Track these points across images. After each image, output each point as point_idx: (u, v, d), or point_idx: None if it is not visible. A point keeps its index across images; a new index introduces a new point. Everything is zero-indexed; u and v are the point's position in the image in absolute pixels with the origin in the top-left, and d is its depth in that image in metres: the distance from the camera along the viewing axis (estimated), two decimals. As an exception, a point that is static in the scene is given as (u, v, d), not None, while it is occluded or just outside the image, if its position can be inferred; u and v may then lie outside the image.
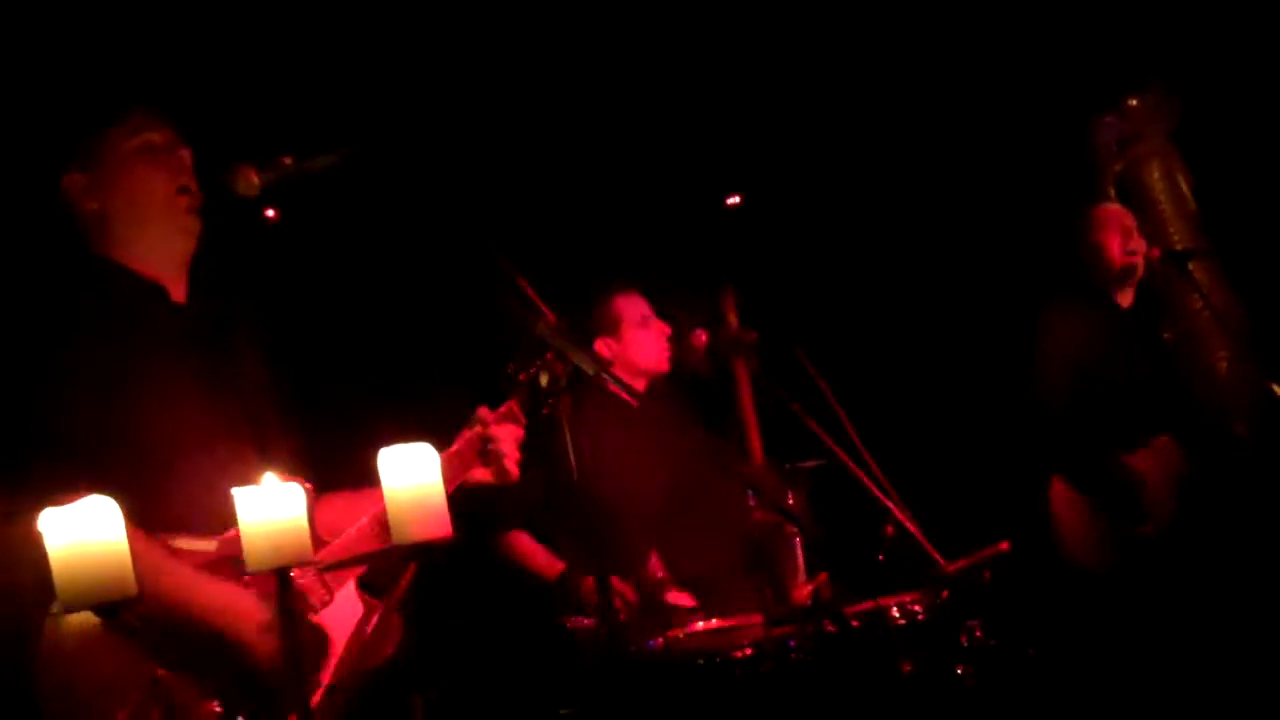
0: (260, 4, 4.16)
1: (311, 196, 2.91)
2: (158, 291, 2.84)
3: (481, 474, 3.03)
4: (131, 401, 2.66)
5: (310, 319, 4.17)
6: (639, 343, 4.18)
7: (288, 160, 2.84)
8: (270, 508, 2.28)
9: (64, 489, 2.18)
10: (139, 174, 2.82)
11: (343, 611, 2.82)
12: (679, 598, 3.91)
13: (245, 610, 2.63)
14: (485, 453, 3.02)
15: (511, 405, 3.08)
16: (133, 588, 2.16)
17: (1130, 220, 4.78)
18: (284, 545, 2.28)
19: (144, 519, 2.43)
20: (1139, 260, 4.69)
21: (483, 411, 3.05)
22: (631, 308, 4.21)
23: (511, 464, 3.02)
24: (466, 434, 3.02)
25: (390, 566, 2.80)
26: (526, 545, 4.10)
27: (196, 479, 2.65)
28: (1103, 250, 4.69)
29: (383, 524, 2.70)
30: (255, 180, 2.81)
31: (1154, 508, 4.51)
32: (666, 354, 4.21)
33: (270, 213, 2.99)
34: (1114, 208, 4.91)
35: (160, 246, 2.85)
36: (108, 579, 2.13)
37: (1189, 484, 4.57)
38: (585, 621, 3.69)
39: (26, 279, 2.83)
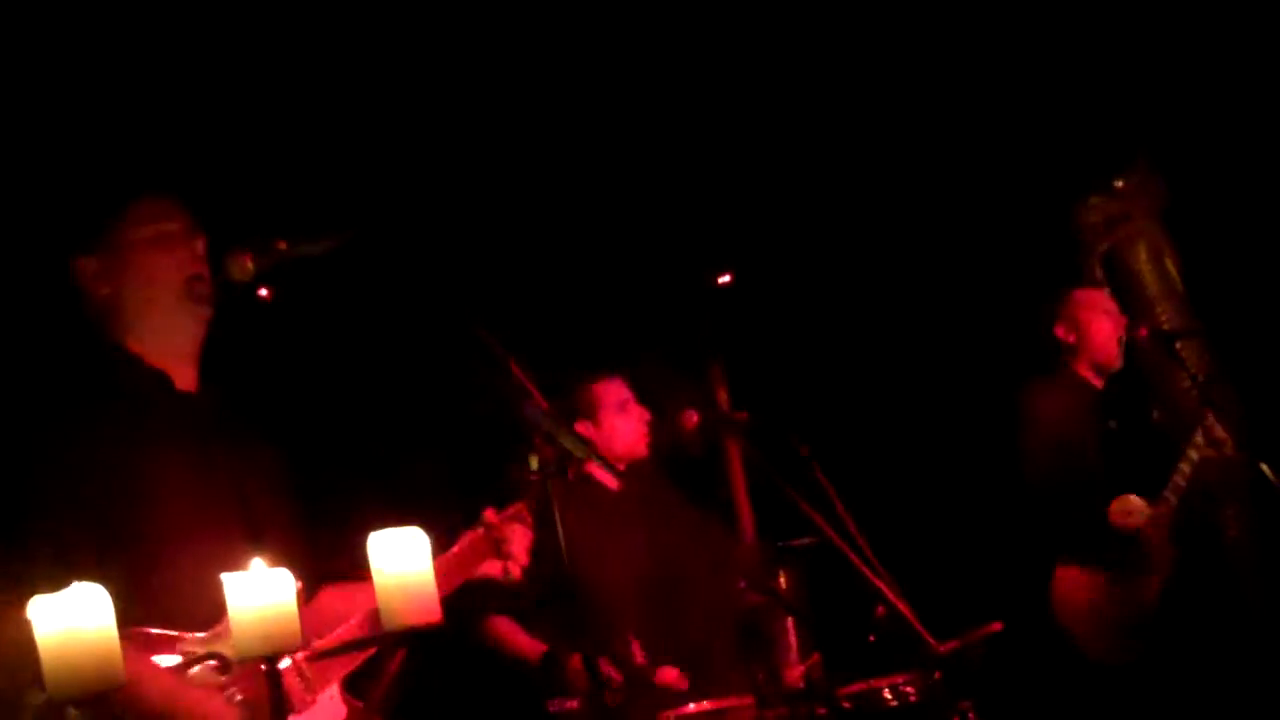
0: (256, 89, 4.21)
1: (305, 279, 2.94)
2: (162, 379, 2.83)
3: (485, 569, 3.02)
4: (128, 495, 2.65)
5: (302, 402, 4.18)
6: (616, 428, 4.19)
7: (282, 245, 2.87)
8: (259, 594, 2.28)
9: (55, 580, 2.18)
10: (152, 261, 2.82)
11: (325, 714, 2.79)
12: (668, 675, 3.90)
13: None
14: (495, 553, 3.02)
15: (520, 507, 3.08)
16: (121, 677, 2.15)
17: (1114, 305, 4.83)
18: (273, 632, 2.28)
19: (136, 612, 2.43)
20: (1117, 351, 4.73)
21: (489, 514, 3.06)
22: (610, 393, 4.23)
23: (517, 566, 3.03)
24: (470, 535, 3.02)
25: (376, 658, 2.79)
26: (507, 629, 4.10)
27: (189, 571, 2.64)
28: (1092, 333, 4.72)
29: (372, 620, 2.70)
30: (249, 266, 2.83)
31: (1154, 554, 4.51)
32: (645, 439, 4.22)
33: (264, 292, 3.01)
34: (1101, 291, 4.96)
35: (169, 335, 2.84)
36: (96, 668, 2.11)
37: (1177, 533, 4.57)
38: (570, 704, 3.67)
39: (33, 364, 2.84)
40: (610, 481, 4.11)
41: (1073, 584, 4.53)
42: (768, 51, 5.26)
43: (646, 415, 4.23)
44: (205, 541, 2.69)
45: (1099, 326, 4.71)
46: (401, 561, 2.42)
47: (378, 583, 2.41)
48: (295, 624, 2.29)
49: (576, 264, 5.15)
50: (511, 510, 3.08)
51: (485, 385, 2.93)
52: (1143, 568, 4.50)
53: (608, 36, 4.97)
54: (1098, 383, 4.75)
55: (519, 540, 3.05)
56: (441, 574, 2.77)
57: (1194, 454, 4.57)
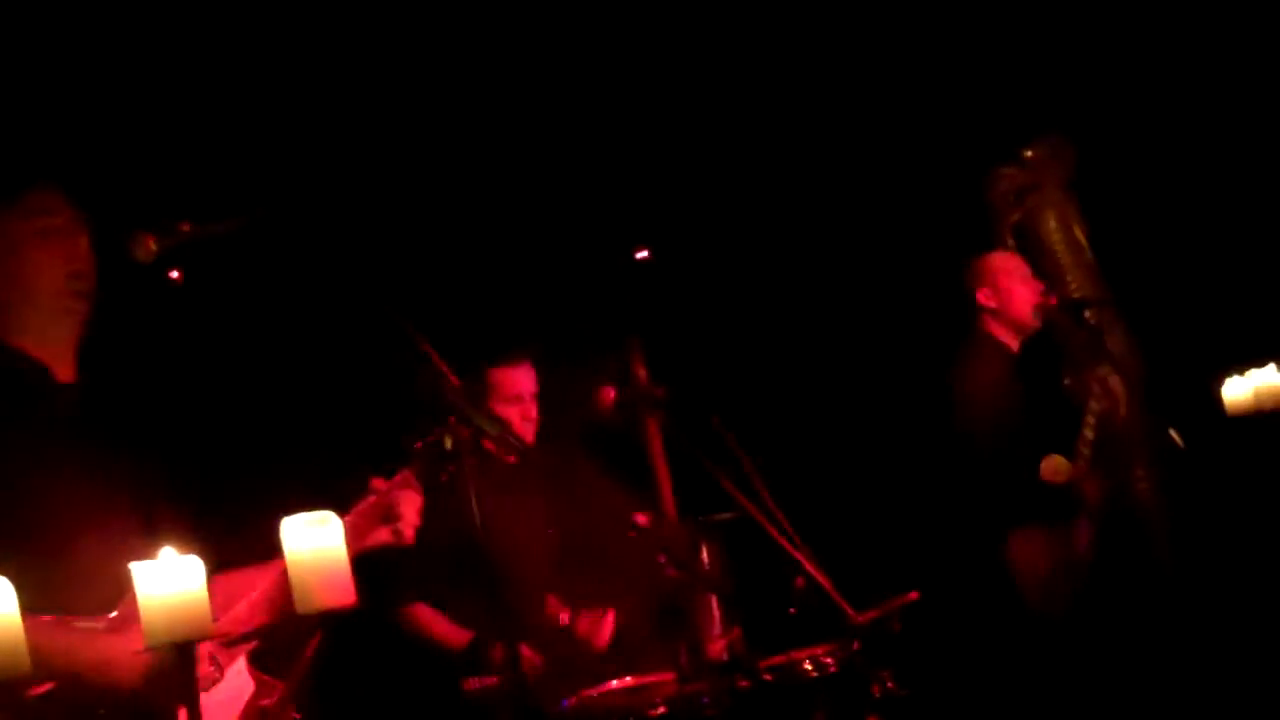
0: (162, 67, 4.14)
1: (213, 261, 2.89)
2: (42, 371, 2.78)
3: (377, 536, 3.00)
4: (15, 485, 2.61)
5: (209, 385, 4.13)
6: (504, 418, 4.17)
7: (185, 226, 2.82)
8: (169, 581, 2.25)
9: None
10: (32, 258, 2.77)
11: (232, 689, 2.77)
12: (584, 624, 3.91)
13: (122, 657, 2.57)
14: (386, 520, 2.99)
15: (407, 474, 3.08)
16: (26, 666, 2.12)
17: (1029, 269, 4.89)
18: (183, 619, 2.25)
19: (34, 603, 2.38)
20: (1043, 311, 4.80)
21: (377, 482, 3.04)
22: (508, 382, 4.22)
23: (409, 528, 3.00)
24: (359, 506, 3.00)
25: (288, 641, 2.77)
26: (428, 616, 4.10)
27: (84, 560, 2.61)
28: (1012, 297, 4.78)
29: (272, 598, 2.68)
30: (153, 247, 2.78)
31: (1089, 503, 4.62)
32: (529, 435, 4.22)
33: (175, 274, 2.96)
34: (1016, 256, 5.01)
35: (48, 329, 2.80)
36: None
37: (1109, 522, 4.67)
38: (488, 682, 3.66)
39: None
40: (508, 455, 4.12)
41: (1028, 545, 4.61)
42: (683, 28, 5.26)
43: (533, 414, 4.23)
44: (93, 532, 2.65)
45: (1018, 291, 4.78)
46: (314, 543, 2.39)
47: (291, 565, 2.39)
48: (206, 611, 2.26)
49: (493, 240, 5.12)
50: (398, 478, 3.07)
51: (397, 366, 2.90)
52: (1074, 519, 4.59)
53: (527, 10, 4.94)
54: (1014, 346, 4.82)
55: (408, 504, 3.03)
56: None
57: (1095, 405, 4.68)
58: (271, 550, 2.38)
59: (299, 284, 3.27)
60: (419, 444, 2.99)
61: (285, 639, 2.79)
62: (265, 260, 3.09)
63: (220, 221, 2.84)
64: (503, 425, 3.28)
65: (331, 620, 2.43)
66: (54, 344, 2.81)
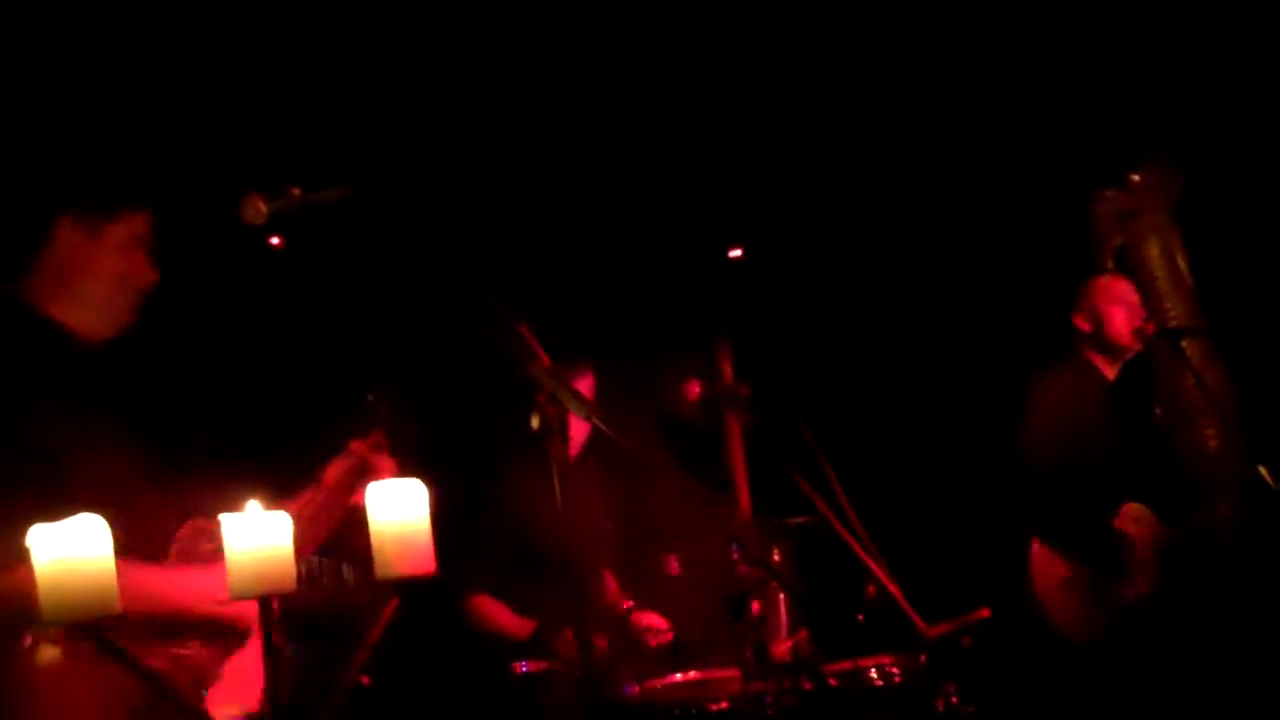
0: (281, 36, 4.21)
1: (318, 228, 2.94)
2: (68, 337, 2.88)
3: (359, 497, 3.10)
4: (43, 449, 2.68)
5: (304, 347, 4.19)
6: None
7: (296, 191, 2.88)
8: (255, 535, 2.30)
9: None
10: (110, 265, 2.90)
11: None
12: (648, 618, 3.93)
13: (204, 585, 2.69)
14: (364, 478, 3.11)
15: (378, 435, 3.16)
16: (116, 605, 2.17)
17: (1135, 296, 4.83)
18: (268, 572, 2.30)
19: None
20: (1142, 337, 4.74)
21: (356, 444, 3.19)
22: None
23: None
24: (338, 465, 3.11)
25: (363, 606, 2.82)
26: (492, 609, 4.15)
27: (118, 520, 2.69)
28: (1108, 321, 4.73)
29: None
30: (263, 209, 2.84)
31: (1140, 568, 4.52)
32: (575, 447, 4.24)
33: (275, 240, 3.03)
34: (1122, 281, 4.95)
35: (97, 318, 2.91)
36: (93, 596, 2.14)
37: (1170, 551, 4.58)
38: (542, 665, 3.71)
39: None
40: (572, 448, 4.16)
41: (1048, 560, 4.56)
42: (787, 30, 5.25)
43: (586, 428, 4.25)
44: (120, 494, 2.72)
45: (1117, 315, 4.73)
46: (398, 511, 2.43)
47: (374, 532, 2.43)
48: (290, 565, 2.31)
49: (589, 232, 5.16)
50: (373, 439, 3.18)
51: (489, 341, 2.93)
52: (1123, 571, 4.52)
53: (628, 5, 4.96)
54: (1110, 372, 4.75)
55: (386, 467, 3.16)
56: (323, 505, 3.04)
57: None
58: None
59: (398, 255, 3.33)
60: (383, 405, 3.07)
61: (361, 604, 2.84)
62: (367, 230, 3.14)
63: (329, 188, 2.89)
64: (592, 408, 3.31)
65: (408, 588, 2.47)
66: (94, 331, 2.92)
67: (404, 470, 3.15)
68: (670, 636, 4.08)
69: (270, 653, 2.34)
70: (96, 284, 2.89)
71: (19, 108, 3.80)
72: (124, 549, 2.61)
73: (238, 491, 2.30)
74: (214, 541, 2.91)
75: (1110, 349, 4.74)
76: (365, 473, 3.15)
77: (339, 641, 2.96)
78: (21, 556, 2.30)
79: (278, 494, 2.78)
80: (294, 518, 2.42)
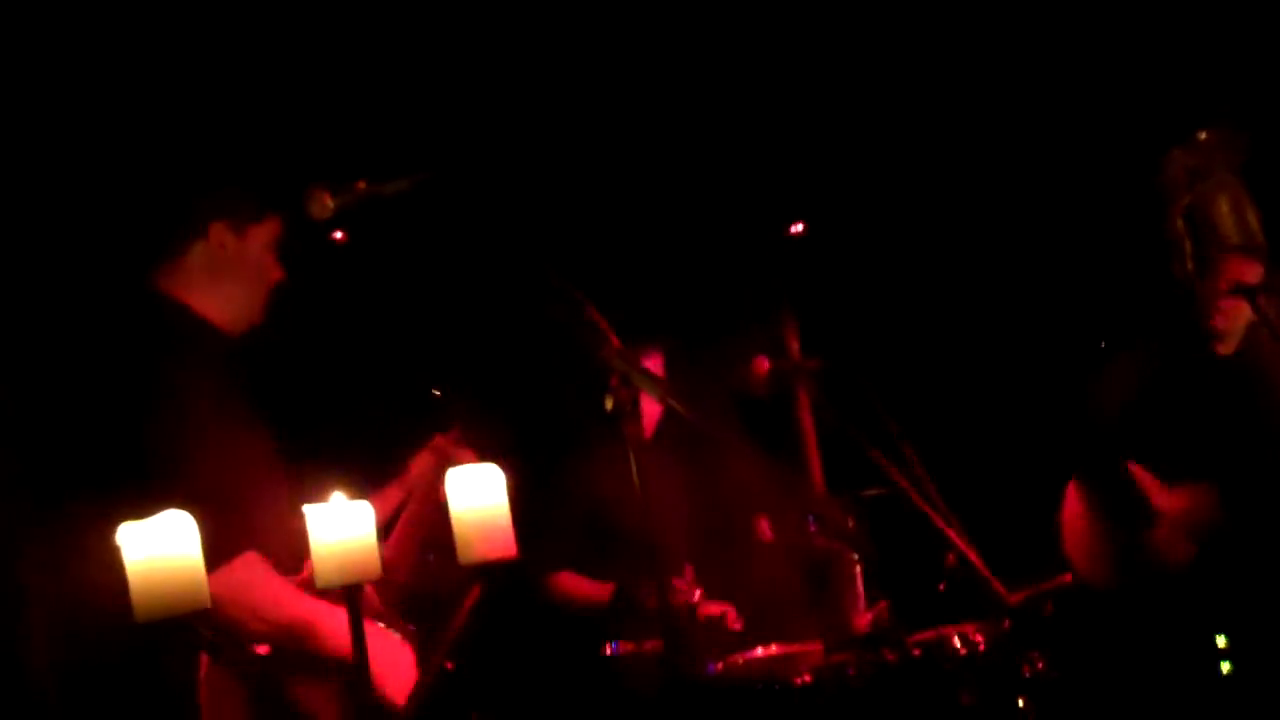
0: (342, 33, 4.24)
1: (383, 220, 2.98)
2: (202, 324, 3.00)
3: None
4: (195, 436, 2.78)
5: (375, 340, 4.23)
6: None
7: (361, 184, 2.91)
8: (340, 526, 2.33)
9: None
10: (265, 262, 3.08)
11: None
12: (713, 608, 3.94)
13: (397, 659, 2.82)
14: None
15: (456, 431, 3.22)
16: (206, 601, 2.21)
17: (1254, 274, 4.75)
18: (352, 563, 2.33)
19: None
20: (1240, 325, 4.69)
21: (439, 439, 3.35)
22: None
23: None
24: (422, 458, 3.21)
25: (448, 591, 2.85)
26: (572, 582, 4.18)
27: (264, 510, 2.74)
28: (1212, 304, 4.69)
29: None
30: (329, 203, 2.87)
31: (1168, 540, 4.49)
32: (650, 428, 4.28)
33: (339, 235, 3.08)
34: (1250, 263, 4.87)
35: (237, 319, 3.06)
36: (182, 592, 2.18)
37: (1217, 538, 4.50)
38: (627, 646, 3.73)
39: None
40: (646, 429, 4.19)
41: (1077, 498, 4.57)
42: (844, 10, 5.23)
43: (658, 411, 4.28)
44: (268, 483, 2.79)
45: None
46: (477, 496, 2.46)
47: (455, 517, 2.46)
48: (375, 554, 2.34)
49: (651, 213, 5.16)
50: (454, 434, 3.33)
51: (562, 326, 2.95)
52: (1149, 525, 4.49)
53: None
54: (1225, 349, 4.73)
55: (468, 460, 3.18)
56: (417, 500, 3.23)
57: None
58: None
59: (465, 245, 3.35)
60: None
61: (446, 589, 2.87)
62: (433, 221, 3.17)
63: (394, 180, 2.92)
64: (666, 388, 3.31)
65: (491, 573, 2.49)
66: (232, 326, 3.05)
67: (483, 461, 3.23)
68: (739, 626, 4.08)
69: (359, 644, 2.37)
70: (239, 281, 3.04)
71: (160, 108, 3.91)
72: (266, 545, 2.69)
73: (327, 486, 2.34)
74: None
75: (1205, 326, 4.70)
76: (448, 466, 3.20)
77: (424, 629, 3.00)
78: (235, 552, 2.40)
79: (361, 490, 2.82)
80: (382, 512, 2.48)
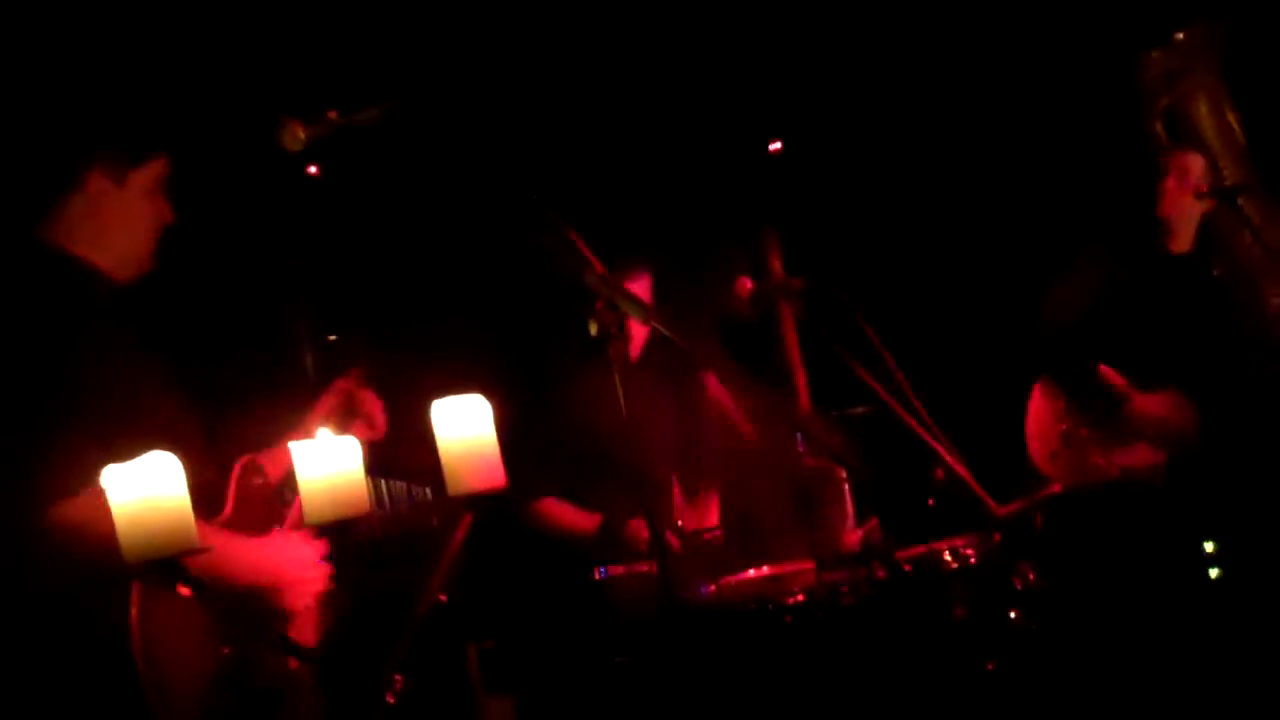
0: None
1: (356, 151, 2.93)
2: (93, 274, 2.96)
3: (355, 430, 3.20)
4: (78, 387, 2.74)
5: (352, 273, 4.20)
6: None
7: (333, 115, 2.86)
8: (327, 461, 2.31)
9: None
10: (151, 206, 3.01)
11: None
12: (695, 517, 3.96)
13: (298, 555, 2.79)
14: (351, 414, 3.28)
15: (359, 373, 3.34)
16: (195, 540, 2.19)
17: (1196, 168, 4.76)
18: (342, 497, 2.32)
19: None
20: (1185, 212, 4.71)
21: (342, 382, 3.34)
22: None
23: (379, 428, 3.30)
24: (328, 400, 3.31)
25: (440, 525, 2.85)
26: (558, 510, 4.17)
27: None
28: (1159, 194, 4.73)
29: None
30: (301, 135, 2.82)
31: (1142, 440, 4.53)
32: (635, 349, 4.28)
33: (313, 169, 3.04)
34: (1187, 155, 4.86)
35: (125, 265, 3.00)
36: (171, 532, 2.16)
37: (1188, 448, 4.54)
38: (617, 569, 3.73)
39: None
40: (633, 351, 4.18)
41: (1044, 403, 4.66)
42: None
43: (645, 333, 4.26)
44: (156, 430, 2.75)
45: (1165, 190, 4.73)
46: (464, 427, 2.43)
47: (442, 449, 2.43)
48: (362, 488, 2.33)
49: (629, 133, 5.11)
50: (354, 377, 3.34)
51: (544, 251, 2.92)
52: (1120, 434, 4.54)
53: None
54: (1178, 245, 4.77)
55: (372, 403, 3.31)
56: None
57: None
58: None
59: (442, 171, 3.30)
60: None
61: (431, 523, 2.86)
62: (408, 148, 3.12)
63: (366, 109, 2.86)
64: (650, 311, 3.29)
65: (480, 504, 2.47)
66: (120, 272, 3.00)
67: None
68: (720, 534, 4.10)
69: (343, 581, 2.37)
70: (123, 227, 2.98)
71: (43, 59, 3.83)
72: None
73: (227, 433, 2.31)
74: (261, 476, 3.00)
75: (1158, 222, 4.72)
76: (351, 410, 3.29)
77: (414, 562, 2.99)
78: (82, 488, 2.37)
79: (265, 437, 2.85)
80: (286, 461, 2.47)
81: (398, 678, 2.63)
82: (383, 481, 4.09)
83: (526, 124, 4.61)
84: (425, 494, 3.85)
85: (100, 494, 2.21)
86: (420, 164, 3.42)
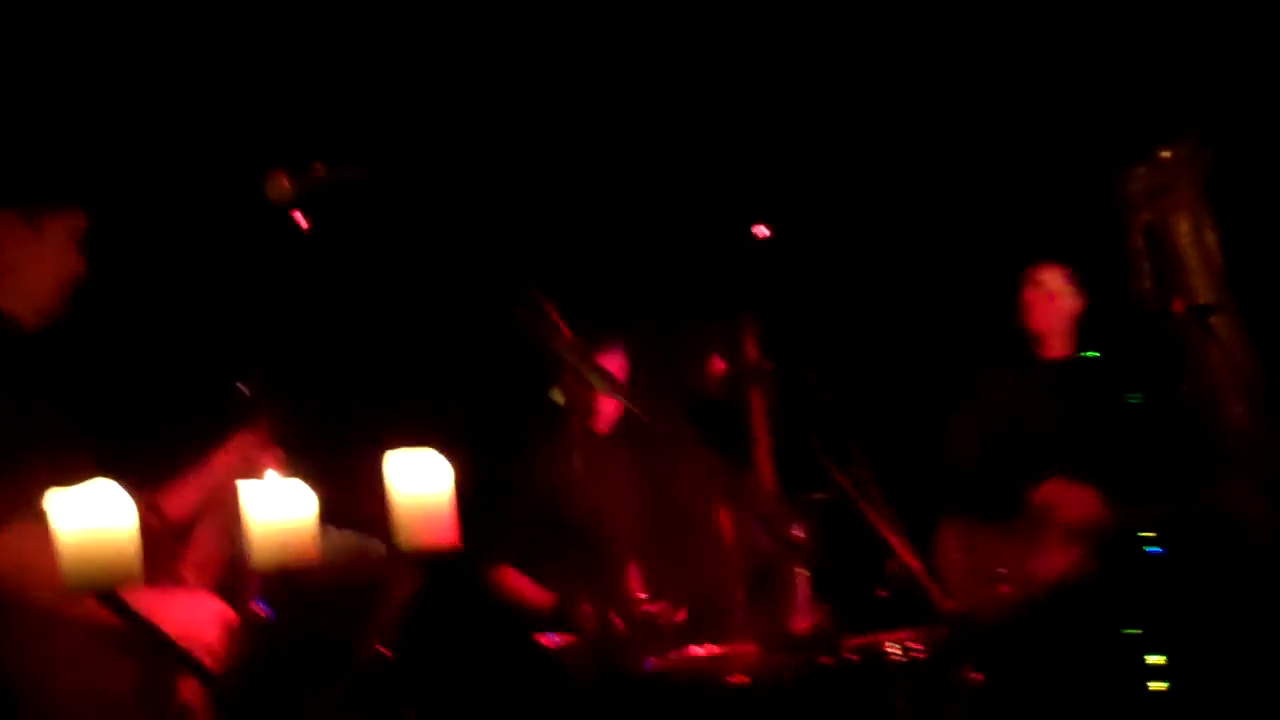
0: (302, 15, 4.23)
1: (341, 206, 2.97)
2: (13, 326, 2.94)
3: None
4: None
5: (319, 324, 4.22)
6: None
7: (320, 168, 2.91)
8: (277, 507, 2.31)
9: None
10: (63, 255, 2.97)
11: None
12: (656, 609, 3.96)
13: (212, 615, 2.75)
14: (250, 467, 3.14)
15: (263, 427, 3.24)
16: (139, 572, 2.20)
17: (1058, 281, 4.87)
18: (292, 544, 2.31)
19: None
20: (1051, 324, 4.85)
21: (243, 435, 3.25)
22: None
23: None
24: (225, 454, 3.23)
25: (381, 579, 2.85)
26: (515, 580, 4.19)
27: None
28: (1022, 309, 4.89)
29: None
30: (287, 186, 2.88)
31: (1060, 547, 4.56)
32: (608, 421, 4.29)
33: (302, 220, 3.07)
34: (1044, 268, 4.94)
35: (32, 313, 2.96)
36: (116, 563, 2.15)
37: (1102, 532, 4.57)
38: (563, 639, 3.74)
39: None
40: (602, 424, 4.20)
41: (951, 538, 4.69)
42: (813, 11, 5.25)
43: (616, 408, 4.26)
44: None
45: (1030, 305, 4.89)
46: (418, 482, 2.44)
47: (395, 502, 2.44)
48: (313, 537, 2.33)
49: (614, 209, 5.17)
50: (258, 433, 3.24)
51: (512, 317, 2.95)
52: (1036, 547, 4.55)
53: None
54: (1054, 351, 4.89)
55: (273, 460, 3.18)
56: (207, 491, 3.14)
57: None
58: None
59: (423, 234, 3.34)
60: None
61: (381, 576, 2.87)
62: (391, 209, 3.16)
63: (354, 166, 2.92)
64: (616, 385, 3.32)
65: (430, 561, 2.49)
66: (26, 320, 2.96)
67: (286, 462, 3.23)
68: (681, 617, 4.11)
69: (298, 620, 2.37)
70: (33, 276, 2.95)
71: None
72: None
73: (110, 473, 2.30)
74: (158, 517, 3.02)
75: (1028, 335, 4.88)
76: (249, 466, 3.17)
77: (358, 613, 2.99)
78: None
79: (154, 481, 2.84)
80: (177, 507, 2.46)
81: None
82: (332, 529, 4.08)
83: (514, 192, 4.67)
84: (377, 545, 3.84)
85: (5, 537, 2.22)
86: (401, 219, 3.46)
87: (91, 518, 2.14)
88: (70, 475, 2.29)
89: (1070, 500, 4.56)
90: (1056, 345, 4.92)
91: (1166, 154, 5.54)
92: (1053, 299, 4.88)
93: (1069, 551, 4.57)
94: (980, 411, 4.86)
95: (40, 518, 2.31)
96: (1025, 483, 4.62)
